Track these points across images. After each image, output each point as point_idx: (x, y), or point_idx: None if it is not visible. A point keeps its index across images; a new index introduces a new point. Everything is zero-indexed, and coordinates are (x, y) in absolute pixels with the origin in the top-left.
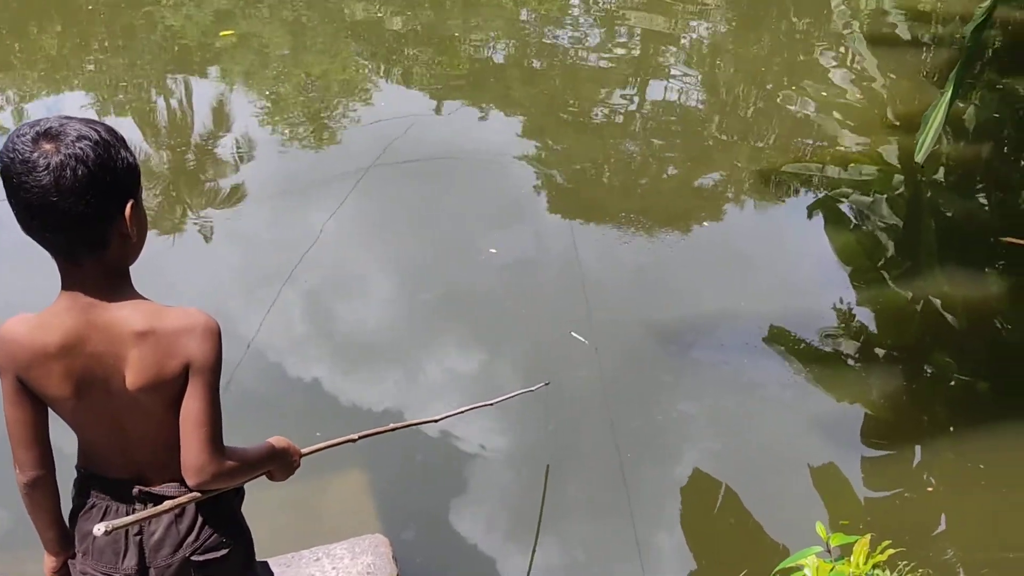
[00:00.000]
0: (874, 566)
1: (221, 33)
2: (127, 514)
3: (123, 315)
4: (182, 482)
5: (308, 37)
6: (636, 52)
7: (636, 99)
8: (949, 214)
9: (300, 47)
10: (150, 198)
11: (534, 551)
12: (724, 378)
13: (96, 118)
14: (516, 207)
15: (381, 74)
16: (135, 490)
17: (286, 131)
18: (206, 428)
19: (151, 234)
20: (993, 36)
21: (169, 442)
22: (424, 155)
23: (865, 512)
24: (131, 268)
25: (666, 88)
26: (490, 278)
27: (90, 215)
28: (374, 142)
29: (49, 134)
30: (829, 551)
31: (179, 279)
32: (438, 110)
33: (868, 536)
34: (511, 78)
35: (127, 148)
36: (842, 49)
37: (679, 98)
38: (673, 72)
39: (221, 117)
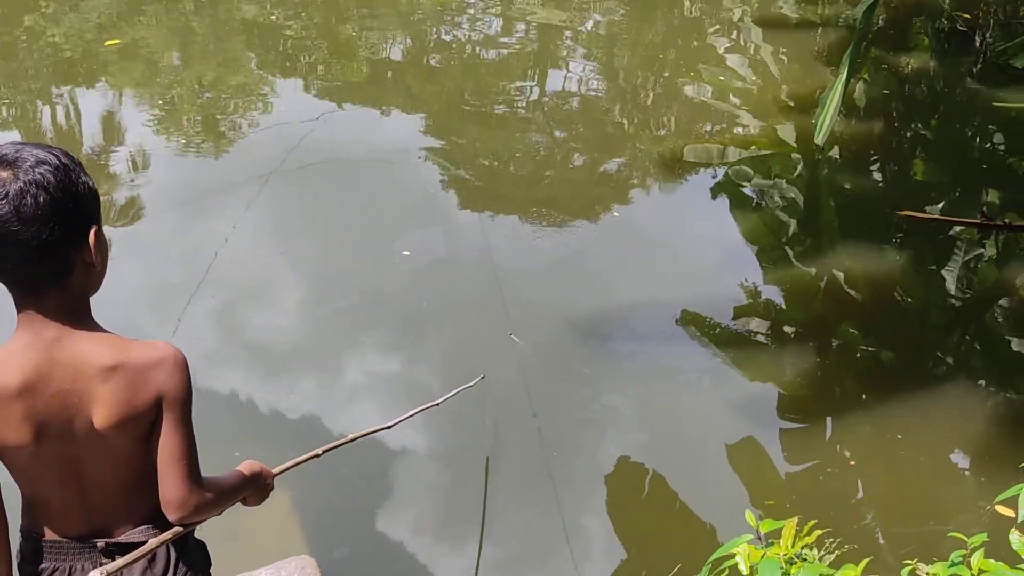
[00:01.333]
0: (803, 547)
1: (106, 42)
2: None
3: (89, 349)
4: (148, 524)
5: (198, 43)
6: (534, 44)
7: (537, 90)
8: (847, 189)
9: (191, 53)
10: None
11: (480, 549)
12: (642, 367)
13: None
14: (425, 206)
15: (278, 77)
16: (101, 543)
17: (182, 140)
18: (184, 462)
19: None
20: (877, 14)
21: (132, 481)
22: (328, 157)
23: (786, 487)
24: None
25: (565, 78)
26: (406, 280)
27: (53, 243)
28: (275, 147)
29: (4, 161)
30: (760, 538)
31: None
32: (339, 111)
33: (795, 519)
34: (411, 75)
35: (85, 172)
36: (735, 33)
37: (579, 87)
38: (572, 62)
39: (112, 129)
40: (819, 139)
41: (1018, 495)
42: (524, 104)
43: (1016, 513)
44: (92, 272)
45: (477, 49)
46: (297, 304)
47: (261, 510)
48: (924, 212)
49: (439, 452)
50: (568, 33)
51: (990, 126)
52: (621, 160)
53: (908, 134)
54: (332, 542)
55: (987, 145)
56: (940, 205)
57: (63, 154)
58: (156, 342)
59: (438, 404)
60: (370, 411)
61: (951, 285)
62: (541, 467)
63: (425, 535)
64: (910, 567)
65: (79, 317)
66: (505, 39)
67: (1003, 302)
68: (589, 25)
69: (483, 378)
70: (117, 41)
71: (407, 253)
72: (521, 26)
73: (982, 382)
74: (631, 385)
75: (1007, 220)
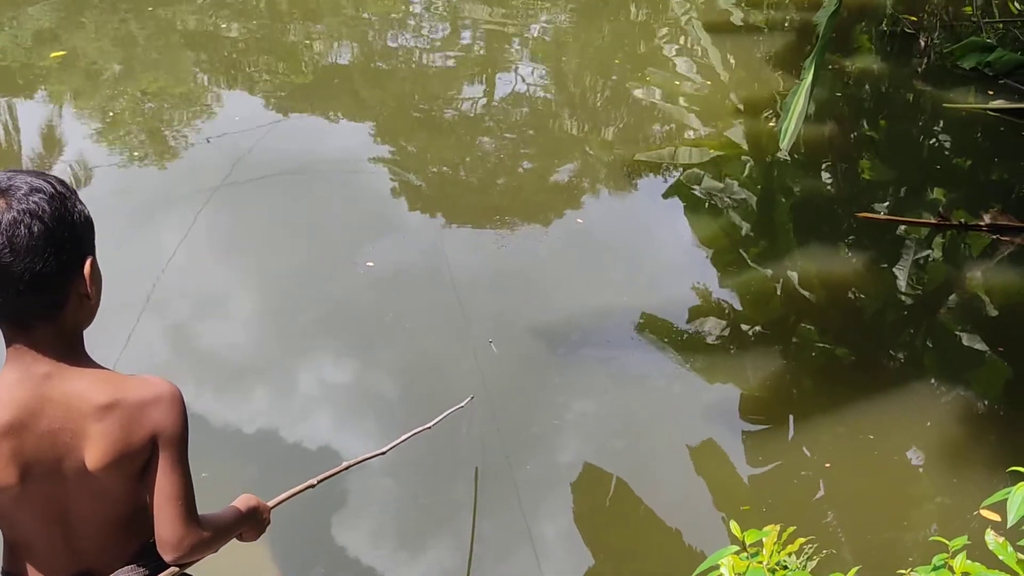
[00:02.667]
0: (785, 555)
1: (52, 55)
2: None
3: (82, 387)
4: (136, 563)
5: (140, 52)
6: (482, 48)
7: (486, 96)
8: (798, 192)
9: (133, 63)
10: None
11: (470, 560)
12: (602, 373)
13: None
14: (382, 216)
15: (223, 86)
16: None
17: (124, 152)
18: (181, 501)
19: None
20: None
21: (121, 520)
22: (277, 168)
23: (752, 490)
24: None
25: (514, 83)
26: (368, 292)
27: (47, 275)
28: (222, 157)
29: None
30: (744, 548)
31: None
32: (286, 120)
33: (776, 527)
34: (358, 82)
35: (81, 200)
36: (682, 38)
37: (528, 92)
38: (520, 67)
39: (52, 141)
40: (783, 145)
41: (1004, 499)
42: (474, 110)
43: (1004, 517)
44: (86, 305)
45: (424, 54)
46: (255, 318)
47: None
48: (873, 211)
49: (410, 466)
50: (516, 38)
51: (935, 126)
52: (573, 165)
53: (856, 135)
54: (305, 567)
55: (933, 144)
56: (886, 204)
57: (58, 182)
58: (151, 378)
59: (430, 427)
60: (344, 426)
61: (903, 283)
62: (506, 476)
63: (399, 550)
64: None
65: (72, 352)
66: (452, 43)
67: (952, 298)
68: (535, 30)
69: (472, 399)
70: (62, 53)
71: (371, 264)
72: (468, 32)
73: (936, 379)
74: (591, 392)
75: (962, 220)
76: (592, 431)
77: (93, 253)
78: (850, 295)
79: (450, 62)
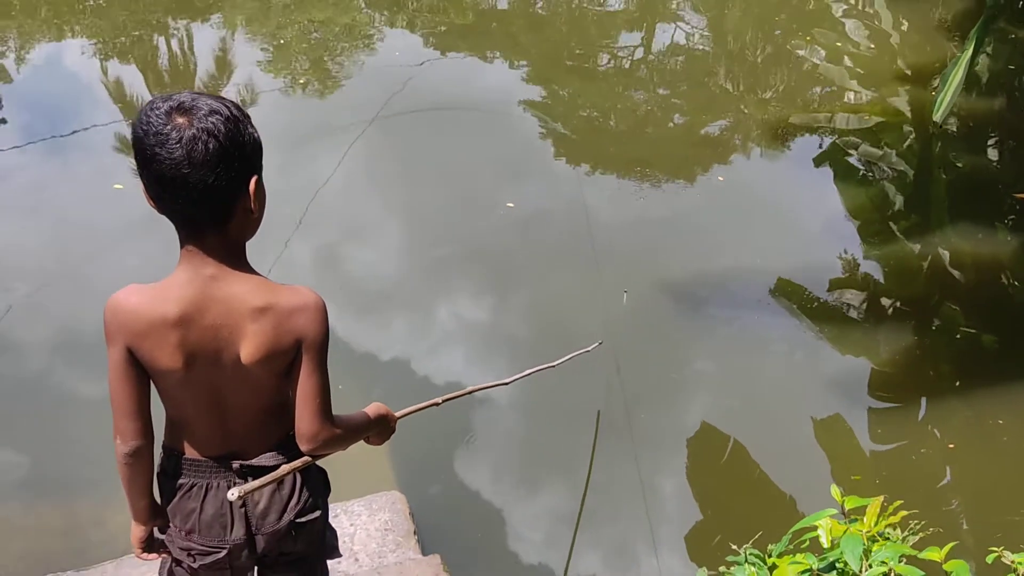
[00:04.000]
0: (887, 526)
1: None
2: (228, 489)
3: (242, 290)
4: (277, 451)
5: None
6: None
7: (643, 45)
8: (960, 167)
9: None
10: None
11: (583, 500)
12: (733, 333)
13: (100, 63)
14: (528, 158)
15: (385, 21)
16: (236, 464)
17: (289, 79)
18: (319, 399)
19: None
20: None
21: (267, 411)
22: (430, 104)
23: (873, 466)
24: None
25: (673, 34)
26: (506, 232)
27: (218, 188)
28: (379, 91)
29: (182, 108)
30: (844, 513)
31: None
32: (443, 57)
33: (880, 497)
34: (517, 25)
35: (253, 125)
36: None
37: (686, 44)
38: (680, 17)
39: (223, 65)
40: (938, 116)
41: None
42: (628, 59)
43: None
44: (250, 219)
45: (583, 1)
46: (396, 247)
47: (355, 447)
48: None
49: (530, 402)
50: None
51: None
52: (725, 122)
53: None
54: (421, 481)
55: None
56: None
57: (234, 106)
58: (301, 288)
59: (554, 366)
60: (476, 356)
61: None
62: (623, 425)
63: (509, 483)
64: (995, 554)
65: (236, 259)
66: None
67: None
68: None
69: (601, 344)
70: None
71: (511, 205)
72: None
73: None
74: (720, 351)
75: None
76: (713, 390)
77: (260, 173)
78: (1003, 279)
79: (609, 9)
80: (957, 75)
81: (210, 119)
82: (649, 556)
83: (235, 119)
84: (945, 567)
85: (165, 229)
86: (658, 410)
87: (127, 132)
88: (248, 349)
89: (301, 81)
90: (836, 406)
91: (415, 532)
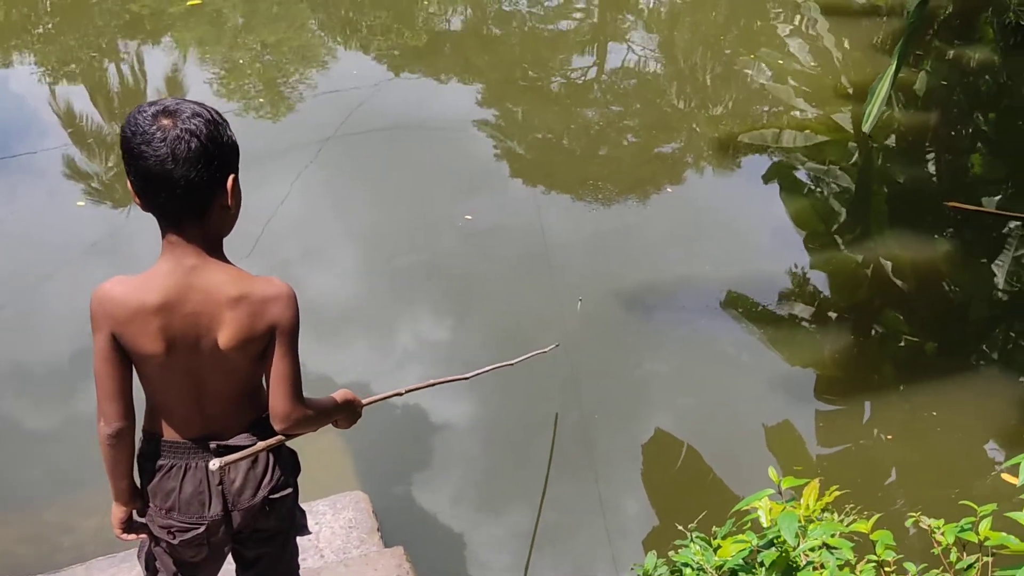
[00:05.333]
0: (823, 508)
1: (189, 2)
2: (205, 469)
3: (220, 280)
4: (251, 431)
5: (264, 5)
6: (594, 18)
7: (595, 66)
8: (900, 180)
9: (255, 14)
10: (106, 170)
11: (542, 500)
12: (684, 341)
13: (48, 87)
14: (482, 176)
15: (338, 42)
16: (213, 444)
17: (241, 100)
18: (291, 381)
19: (109, 207)
20: (944, 5)
21: (242, 394)
22: (385, 124)
23: (818, 465)
24: None
25: (625, 54)
26: (466, 245)
27: (199, 184)
28: (333, 112)
29: (167, 111)
30: (780, 494)
31: (145, 251)
32: (397, 79)
33: (817, 480)
34: (470, 45)
35: (231, 129)
36: (797, 17)
37: (637, 64)
38: (631, 38)
39: (175, 87)
40: (866, 127)
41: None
42: (582, 79)
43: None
44: (227, 214)
45: (536, 22)
46: (360, 264)
47: (318, 447)
48: (979, 205)
49: (489, 405)
50: (628, 8)
51: None
52: (676, 139)
53: (967, 127)
54: (385, 481)
55: None
56: (996, 198)
57: (215, 111)
58: (273, 279)
59: (512, 364)
60: (433, 366)
61: (1000, 279)
62: (579, 433)
63: (470, 482)
64: (913, 519)
65: (214, 251)
66: (564, 12)
67: None
68: (650, 1)
69: (558, 345)
70: (198, 1)
71: (469, 217)
72: (582, 1)
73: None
74: (672, 359)
75: None
76: (667, 396)
77: (236, 172)
78: (943, 286)
79: (561, 30)
80: (882, 88)
81: (193, 121)
82: (606, 558)
83: (215, 122)
84: (872, 537)
85: (117, 256)
86: (613, 415)
87: (76, 155)
88: (225, 335)
89: (254, 103)
90: (785, 410)
91: (378, 529)
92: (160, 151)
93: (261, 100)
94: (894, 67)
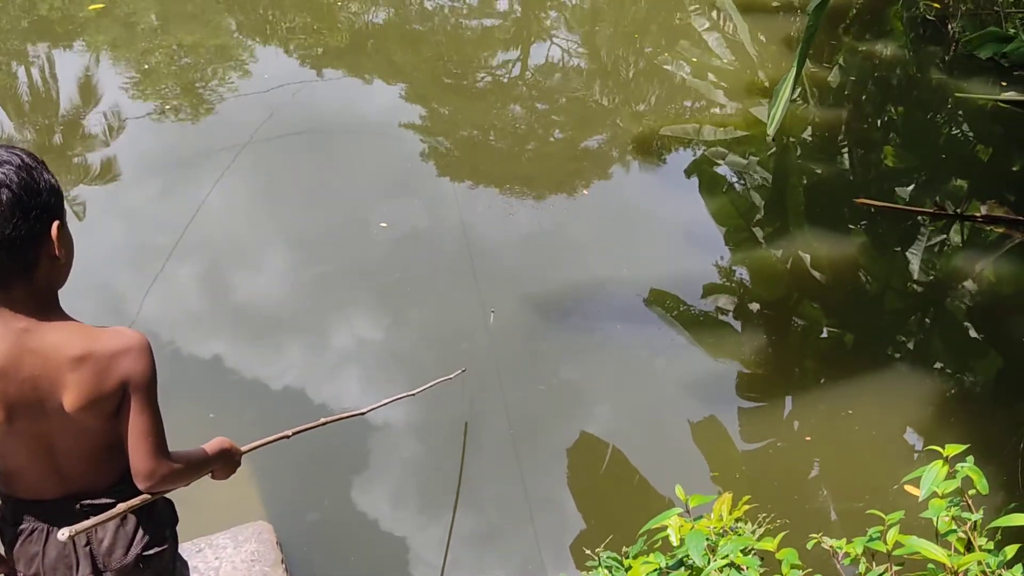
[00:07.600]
0: (736, 520)
1: (91, 6)
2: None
3: (58, 339)
4: (122, 485)
5: (177, 5)
6: (517, 15)
7: (519, 63)
8: (816, 173)
9: (169, 16)
10: None
11: (454, 515)
12: (607, 342)
13: None
14: (403, 178)
15: (257, 42)
16: (77, 505)
17: (159, 103)
18: (152, 437)
19: None
20: (852, 2)
21: (102, 452)
22: (307, 126)
23: (742, 463)
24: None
25: (548, 51)
26: (382, 252)
27: (18, 238)
28: (253, 113)
29: None
30: (688, 511)
31: None
32: (319, 79)
33: (729, 494)
34: (393, 44)
35: (48, 171)
36: (714, 13)
37: (561, 61)
38: (554, 35)
39: (88, 92)
40: (770, 130)
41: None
42: (506, 76)
43: (919, 493)
44: (57, 265)
45: (461, 19)
46: (273, 271)
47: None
48: (892, 198)
49: (403, 424)
50: (551, 5)
51: (959, 114)
52: (599, 137)
53: (878, 120)
54: (291, 510)
55: (948, 133)
56: (910, 188)
57: (26, 154)
58: (122, 329)
59: (413, 394)
60: (339, 379)
61: (915, 269)
62: (505, 438)
63: (381, 508)
64: (815, 540)
65: (47, 308)
66: (489, 9)
67: (963, 287)
68: None
69: (464, 371)
70: (101, 5)
71: (384, 225)
72: None
73: (939, 364)
74: (595, 360)
75: (956, 210)
76: (592, 398)
77: (61, 218)
78: (860, 277)
79: (486, 27)
80: (785, 91)
81: (0, 170)
82: (536, 563)
83: (27, 167)
84: (777, 556)
85: None
86: (536, 423)
87: None
88: (70, 398)
89: (171, 106)
90: (708, 407)
91: (283, 561)
92: None
93: (179, 103)
94: (795, 71)
